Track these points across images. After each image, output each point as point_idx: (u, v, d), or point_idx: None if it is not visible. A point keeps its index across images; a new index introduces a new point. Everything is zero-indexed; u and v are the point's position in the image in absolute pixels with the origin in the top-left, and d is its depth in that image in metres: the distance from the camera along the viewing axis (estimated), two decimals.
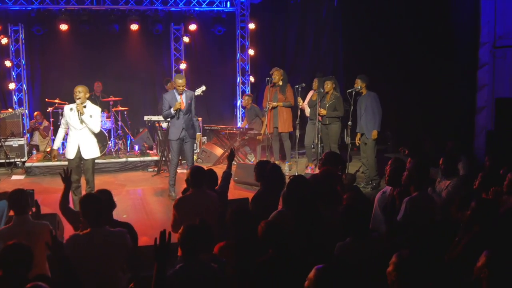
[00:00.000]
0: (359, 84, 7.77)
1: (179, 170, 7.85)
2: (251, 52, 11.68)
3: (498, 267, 2.58)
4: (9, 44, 10.69)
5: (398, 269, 2.59)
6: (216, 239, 3.87)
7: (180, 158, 7.92)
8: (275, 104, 8.93)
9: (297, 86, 8.58)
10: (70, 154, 6.39)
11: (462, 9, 9.22)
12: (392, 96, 9.51)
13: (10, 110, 9.94)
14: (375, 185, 7.71)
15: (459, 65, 9.24)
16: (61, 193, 4.53)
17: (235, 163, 8.73)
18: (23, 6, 10.58)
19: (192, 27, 11.15)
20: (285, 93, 8.90)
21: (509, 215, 3.43)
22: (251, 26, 11.59)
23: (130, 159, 9.67)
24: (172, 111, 7.16)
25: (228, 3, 11.64)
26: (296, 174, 7.20)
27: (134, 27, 10.78)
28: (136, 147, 10.09)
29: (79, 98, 6.28)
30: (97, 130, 6.47)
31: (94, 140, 6.53)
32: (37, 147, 10.40)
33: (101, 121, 8.87)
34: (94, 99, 9.78)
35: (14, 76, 10.88)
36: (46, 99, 10.19)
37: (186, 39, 11.44)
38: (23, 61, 10.94)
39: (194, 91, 8.19)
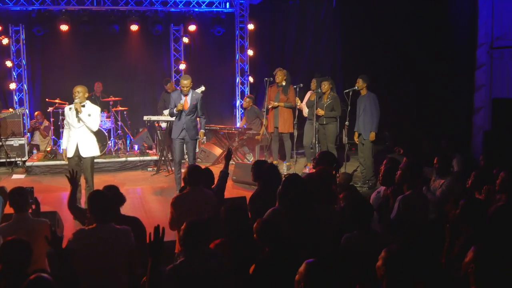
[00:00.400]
0: (360, 84, 7.78)
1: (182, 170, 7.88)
2: (250, 52, 11.73)
3: (485, 262, 2.63)
4: (10, 44, 10.75)
5: (386, 264, 2.65)
6: (213, 236, 3.92)
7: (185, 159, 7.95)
8: (276, 104, 8.95)
9: (295, 86, 8.64)
10: (69, 152, 6.48)
11: (460, 10, 9.26)
12: (390, 96, 9.54)
13: (11, 110, 9.98)
14: (372, 184, 7.76)
15: (457, 66, 9.27)
16: (68, 193, 4.73)
17: (233, 162, 8.80)
18: (23, 6, 10.65)
19: (192, 27, 11.20)
20: (287, 93, 8.91)
21: (500, 212, 3.48)
22: (250, 26, 11.64)
23: (129, 159, 9.73)
24: (175, 111, 7.23)
25: (228, 4, 11.70)
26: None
27: (134, 27, 10.84)
28: (136, 147, 10.15)
29: (77, 98, 6.36)
30: (95, 129, 6.52)
31: (93, 138, 6.58)
32: (37, 147, 10.47)
33: (101, 121, 8.96)
34: (94, 99, 9.84)
35: (15, 76, 10.95)
36: (47, 99, 10.25)
37: (185, 39, 11.50)
38: (23, 61, 11.00)
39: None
